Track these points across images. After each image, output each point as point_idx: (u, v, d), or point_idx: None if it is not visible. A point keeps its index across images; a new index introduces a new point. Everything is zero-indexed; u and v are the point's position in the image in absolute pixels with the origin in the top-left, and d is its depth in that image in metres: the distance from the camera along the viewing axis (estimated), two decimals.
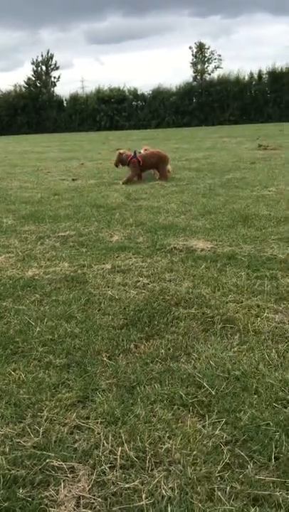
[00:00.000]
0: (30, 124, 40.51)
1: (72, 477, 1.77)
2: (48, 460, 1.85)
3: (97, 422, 2.07)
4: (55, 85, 43.45)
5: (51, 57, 43.85)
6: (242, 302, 3.27)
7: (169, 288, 3.59)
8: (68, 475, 1.78)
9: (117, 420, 2.08)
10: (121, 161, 9.30)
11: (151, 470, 1.79)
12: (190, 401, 2.20)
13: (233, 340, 2.77)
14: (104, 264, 4.24)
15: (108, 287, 3.68)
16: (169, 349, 2.69)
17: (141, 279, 3.83)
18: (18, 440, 1.98)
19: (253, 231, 5.08)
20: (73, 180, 9.74)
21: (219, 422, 2.04)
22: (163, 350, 2.67)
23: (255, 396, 2.21)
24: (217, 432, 1.97)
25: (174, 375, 2.42)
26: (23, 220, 6.13)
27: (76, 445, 1.94)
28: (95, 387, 2.34)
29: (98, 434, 1.99)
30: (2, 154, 17.80)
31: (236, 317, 3.03)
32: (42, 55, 43.72)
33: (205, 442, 1.92)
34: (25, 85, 42.72)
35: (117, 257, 4.44)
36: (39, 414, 2.14)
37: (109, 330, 2.94)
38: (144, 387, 2.33)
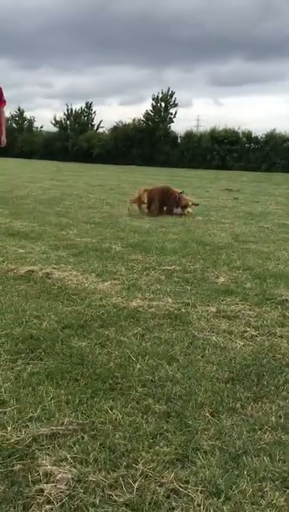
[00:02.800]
0: (144, 157, 42.02)
1: None
2: None
3: (197, 490, 1.84)
4: (172, 121, 44.85)
5: (171, 95, 45.44)
6: None
7: (280, 345, 3.27)
8: None
9: (220, 492, 1.83)
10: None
11: None
12: None
13: None
14: (209, 306, 4.03)
15: (213, 332, 3.45)
16: (280, 417, 2.38)
17: (248, 329, 3.55)
18: (110, 493, 1.80)
19: None
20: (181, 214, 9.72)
21: None
22: (273, 418, 2.37)
23: None
24: None
25: (286, 450, 2.11)
26: (131, 248, 6.15)
27: None
28: (196, 446, 2.11)
29: (198, 505, 1.76)
30: (115, 182, 18.52)
31: None
32: (162, 92, 45.52)
33: None
34: (144, 119, 44.65)
35: (222, 300, 4.20)
36: (134, 465, 1.96)
37: (213, 382, 2.70)
38: (252, 458, 2.05)
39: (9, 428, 2.17)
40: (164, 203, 9.48)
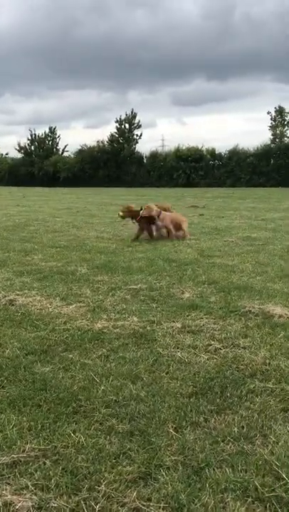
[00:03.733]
0: (111, 178, 42.33)
1: None
2: None
3: (160, 507, 1.84)
4: (136, 142, 45.49)
5: (134, 116, 46.21)
6: None
7: (244, 356, 3.32)
8: None
9: (182, 507, 1.83)
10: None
11: None
12: (266, 495, 1.91)
13: None
14: (174, 322, 4.06)
15: (178, 348, 3.48)
16: (243, 427, 2.41)
17: (213, 342, 3.60)
18: None
19: None
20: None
21: None
22: (236, 428, 2.40)
23: None
24: None
25: (248, 460, 2.14)
26: (97, 269, 6.16)
27: None
28: (159, 462, 2.12)
29: None
30: (82, 204, 18.56)
31: None
32: (126, 114, 46.24)
33: None
34: (108, 141, 45.12)
35: (187, 315, 4.25)
36: (96, 487, 1.95)
37: (176, 397, 2.72)
38: (214, 470, 2.07)
39: None
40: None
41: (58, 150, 48.98)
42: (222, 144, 79.56)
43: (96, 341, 3.60)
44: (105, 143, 45.06)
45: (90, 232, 10.01)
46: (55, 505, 1.85)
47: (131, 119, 46.32)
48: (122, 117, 46.02)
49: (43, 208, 17.06)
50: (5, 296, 4.77)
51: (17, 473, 2.04)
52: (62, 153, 48.65)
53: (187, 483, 1.97)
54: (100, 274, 5.94)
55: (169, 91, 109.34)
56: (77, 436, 2.30)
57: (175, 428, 2.41)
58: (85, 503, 1.85)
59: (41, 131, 50.90)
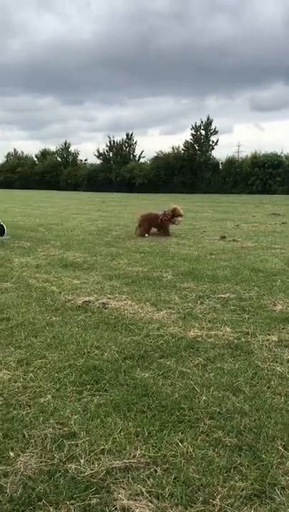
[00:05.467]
0: (186, 184, 42.37)
1: None
2: None
3: None
4: (212, 149, 45.16)
5: (210, 123, 45.92)
6: None
7: None
8: None
9: None
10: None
11: None
12: None
13: None
14: (269, 335, 3.94)
15: (277, 363, 3.37)
16: None
17: None
18: None
19: None
20: (230, 241, 9.67)
21: None
22: None
23: None
24: None
25: None
26: (182, 276, 6.15)
27: None
28: (273, 481, 2.04)
29: None
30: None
31: None
32: (202, 121, 46.06)
33: None
34: (184, 148, 45.22)
35: (283, 328, 4.11)
36: (211, 500, 1.92)
37: (282, 413, 2.62)
38: None
39: (82, 460, 2.19)
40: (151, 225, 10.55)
41: (134, 156, 49.88)
42: None
43: (191, 349, 3.58)
44: (180, 149, 45.22)
45: (172, 238, 10.04)
46: None
47: (207, 125, 46.09)
48: (198, 124, 45.95)
49: (122, 213, 17.40)
50: (97, 299, 4.89)
51: (130, 479, 2.06)
52: (139, 159, 49.50)
53: None
54: (186, 281, 5.93)
55: (248, 96, 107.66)
56: (184, 446, 2.29)
57: (284, 446, 2.32)
58: None
59: (119, 138, 52.11)
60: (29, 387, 2.93)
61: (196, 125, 46.01)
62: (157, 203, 24.41)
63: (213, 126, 45.85)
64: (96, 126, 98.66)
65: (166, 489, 1.98)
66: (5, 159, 59.73)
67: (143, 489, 1.98)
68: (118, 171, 46.54)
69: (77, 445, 2.31)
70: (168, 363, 3.32)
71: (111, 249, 8.40)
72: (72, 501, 1.92)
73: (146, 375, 3.12)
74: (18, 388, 2.93)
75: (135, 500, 1.92)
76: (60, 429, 2.45)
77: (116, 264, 6.95)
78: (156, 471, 2.12)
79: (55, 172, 51.80)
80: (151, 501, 1.92)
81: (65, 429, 2.45)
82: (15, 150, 59.90)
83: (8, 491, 1.99)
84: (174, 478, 2.06)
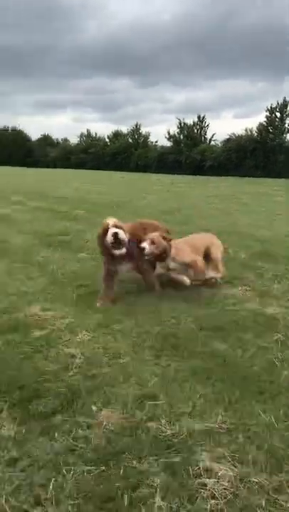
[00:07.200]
0: (258, 167, 41.10)
1: None
2: None
3: None
4: (288, 132, 43.32)
5: (286, 105, 43.95)
6: None
7: None
8: None
9: None
10: None
11: None
12: None
13: None
14: None
15: None
16: None
17: None
18: (275, 496, 1.72)
19: None
20: None
21: None
22: None
23: None
24: None
25: None
26: (256, 256, 5.98)
27: None
28: None
29: None
30: (232, 194, 18.24)
31: None
32: (278, 103, 44.23)
33: None
34: (257, 130, 43.73)
35: None
36: None
37: None
38: None
39: (163, 421, 2.19)
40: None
41: (205, 139, 49.02)
42: None
43: (269, 325, 3.48)
44: (254, 132, 43.80)
45: (244, 219, 9.80)
46: (256, 480, 1.80)
47: (282, 107, 44.18)
48: (274, 106, 44.15)
49: (191, 194, 17.22)
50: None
51: (211, 442, 2.03)
52: (210, 142, 48.57)
53: None
54: (261, 260, 5.75)
55: None
56: (267, 417, 2.23)
57: None
58: None
59: (191, 120, 51.35)
60: (108, 349, 2.98)
61: (271, 107, 44.32)
62: (227, 185, 23.87)
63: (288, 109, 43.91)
64: (170, 107, 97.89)
65: (250, 456, 1.94)
66: (78, 140, 61.10)
67: (226, 453, 1.95)
68: (188, 153, 45.98)
69: (157, 405, 2.32)
70: (246, 336, 3.24)
71: (183, 227, 8.30)
72: (155, 457, 1.93)
73: (224, 346, 3.07)
74: (98, 349, 2.99)
75: (218, 462, 1.90)
76: (140, 389, 2.47)
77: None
78: (237, 437, 2.08)
79: (126, 153, 52.17)
80: (234, 465, 1.88)
81: (145, 389, 2.47)
82: (88, 131, 61.00)
83: (92, 441, 2.04)
84: (257, 447, 2.00)
